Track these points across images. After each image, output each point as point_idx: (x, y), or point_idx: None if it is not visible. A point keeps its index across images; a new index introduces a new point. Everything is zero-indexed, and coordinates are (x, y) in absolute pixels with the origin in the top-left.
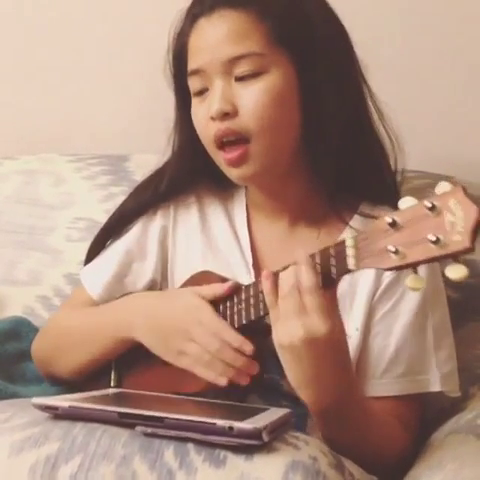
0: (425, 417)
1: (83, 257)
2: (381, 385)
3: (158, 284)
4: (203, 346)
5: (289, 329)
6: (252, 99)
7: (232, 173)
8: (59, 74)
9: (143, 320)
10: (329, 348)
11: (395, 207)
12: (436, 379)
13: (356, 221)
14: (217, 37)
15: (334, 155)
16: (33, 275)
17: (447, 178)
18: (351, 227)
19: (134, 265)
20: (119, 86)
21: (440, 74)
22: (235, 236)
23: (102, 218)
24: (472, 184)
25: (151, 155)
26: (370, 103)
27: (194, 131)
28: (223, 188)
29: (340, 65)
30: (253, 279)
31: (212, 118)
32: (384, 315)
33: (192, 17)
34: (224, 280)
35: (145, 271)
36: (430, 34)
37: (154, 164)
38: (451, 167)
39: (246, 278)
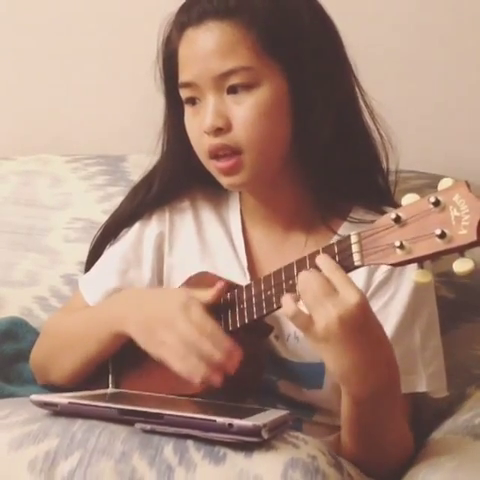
0: (423, 417)
1: (80, 257)
2: None
3: None
4: (182, 336)
5: (321, 316)
6: (244, 115)
7: (223, 181)
8: (56, 75)
9: (133, 313)
10: (364, 320)
11: (384, 212)
12: (422, 379)
13: (345, 228)
14: (206, 51)
15: (322, 161)
16: (30, 276)
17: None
18: (340, 235)
19: (130, 272)
20: (116, 86)
21: (436, 74)
22: (230, 240)
23: (99, 218)
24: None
25: (148, 155)
26: (363, 105)
27: (185, 133)
28: (217, 193)
29: (331, 70)
30: (249, 282)
31: (205, 132)
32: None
33: (180, 25)
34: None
35: (141, 278)
36: (426, 31)
37: (151, 164)
38: (448, 167)
39: (242, 281)
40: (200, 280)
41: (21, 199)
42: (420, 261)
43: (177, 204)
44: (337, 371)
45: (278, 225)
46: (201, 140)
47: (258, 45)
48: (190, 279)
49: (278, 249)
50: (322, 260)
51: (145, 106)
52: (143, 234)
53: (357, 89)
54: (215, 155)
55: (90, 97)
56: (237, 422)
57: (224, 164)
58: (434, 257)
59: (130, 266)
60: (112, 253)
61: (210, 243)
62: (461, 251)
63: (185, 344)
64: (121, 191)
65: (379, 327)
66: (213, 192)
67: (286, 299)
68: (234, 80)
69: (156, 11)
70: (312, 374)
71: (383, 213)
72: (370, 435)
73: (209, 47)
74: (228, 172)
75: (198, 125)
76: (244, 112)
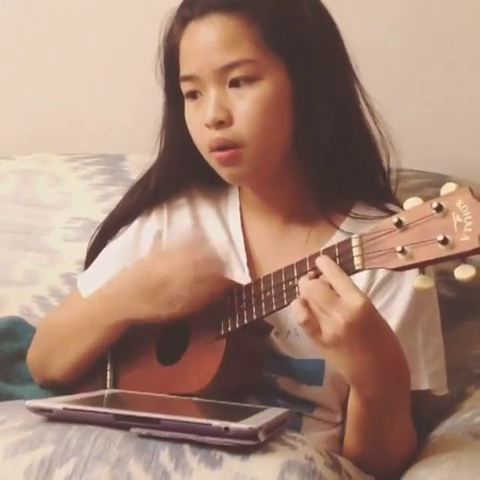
0: (423, 416)
1: (80, 257)
2: None
3: None
4: (179, 272)
5: (328, 324)
6: (246, 109)
7: (223, 172)
8: (55, 74)
9: (131, 293)
10: (371, 321)
11: (386, 208)
12: (424, 377)
13: (348, 224)
14: (208, 44)
15: (323, 158)
16: (30, 275)
17: (444, 177)
18: (342, 231)
19: None
20: (116, 85)
21: (437, 72)
22: (228, 235)
23: (99, 218)
24: (470, 183)
25: (148, 155)
26: (363, 103)
27: (184, 130)
28: (216, 189)
29: (332, 66)
30: (248, 277)
31: (207, 125)
32: None
33: (182, 20)
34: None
35: None
36: (427, 30)
37: (150, 164)
38: (448, 166)
39: (241, 276)
40: None
41: (20, 198)
42: (421, 267)
43: (175, 201)
44: (349, 375)
45: (277, 221)
46: (202, 133)
47: (261, 39)
48: None
49: (278, 244)
50: (323, 263)
51: (145, 105)
52: (141, 232)
53: (357, 87)
54: (216, 149)
55: (89, 96)
56: (233, 426)
57: (223, 154)
58: (435, 263)
59: (127, 263)
60: (110, 250)
61: (208, 239)
62: (463, 258)
63: (186, 276)
64: (120, 190)
65: (385, 325)
66: (211, 189)
67: (296, 305)
68: (236, 73)
69: (156, 11)
70: (312, 371)
71: (385, 209)
72: (377, 434)
73: (211, 40)
74: (227, 162)
75: (199, 119)
76: (246, 105)
